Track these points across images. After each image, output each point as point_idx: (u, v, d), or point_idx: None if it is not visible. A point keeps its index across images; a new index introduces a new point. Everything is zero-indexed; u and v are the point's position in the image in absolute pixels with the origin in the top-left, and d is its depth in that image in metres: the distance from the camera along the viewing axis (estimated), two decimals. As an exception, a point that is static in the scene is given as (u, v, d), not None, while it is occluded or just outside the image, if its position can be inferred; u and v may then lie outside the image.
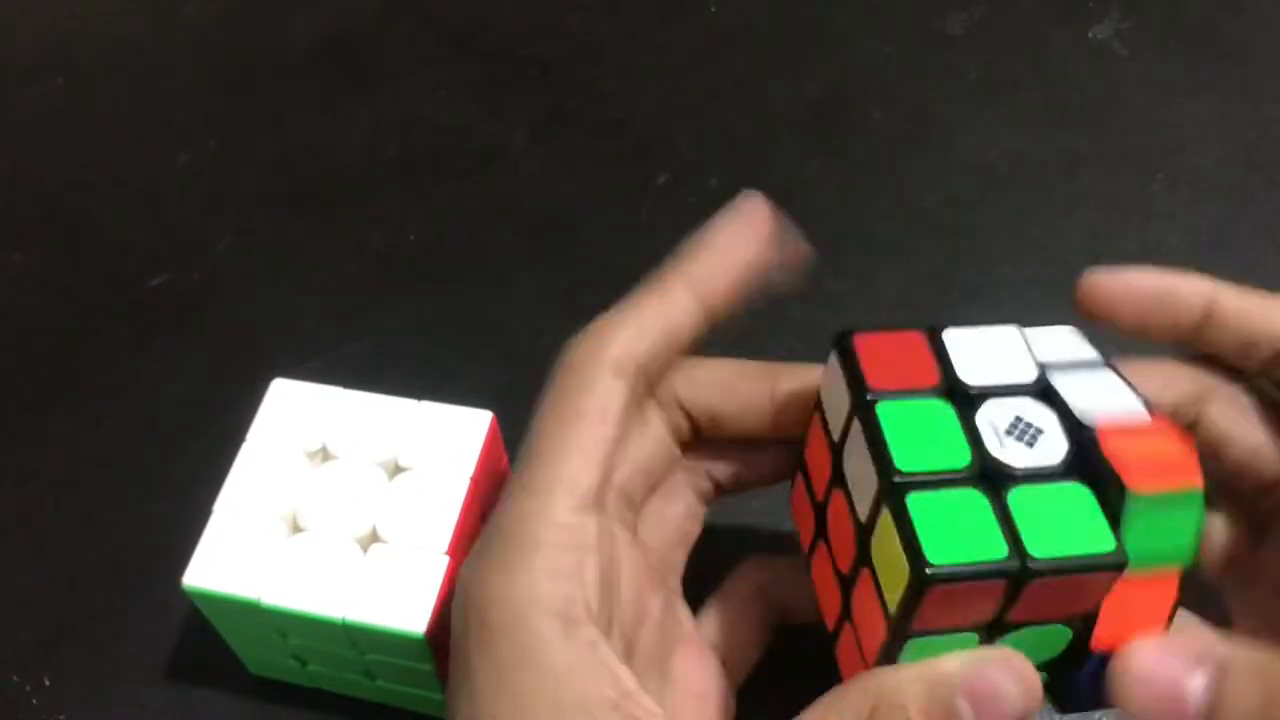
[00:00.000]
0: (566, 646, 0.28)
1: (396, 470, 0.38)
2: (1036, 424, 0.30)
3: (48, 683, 0.43)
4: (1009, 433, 0.30)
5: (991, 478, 0.29)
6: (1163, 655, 0.29)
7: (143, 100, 0.61)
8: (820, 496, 0.33)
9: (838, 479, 0.32)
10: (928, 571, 0.27)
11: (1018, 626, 0.29)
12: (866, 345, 0.32)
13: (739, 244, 0.36)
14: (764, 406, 0.35)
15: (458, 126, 0.58)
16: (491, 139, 0.58)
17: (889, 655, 0.29)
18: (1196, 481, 0.29)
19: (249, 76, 0.62)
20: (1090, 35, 0.58)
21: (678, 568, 0.37)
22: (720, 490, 0.37)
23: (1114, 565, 0.28)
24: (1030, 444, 0.29)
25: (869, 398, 0.30)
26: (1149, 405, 0.30)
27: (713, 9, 0.62)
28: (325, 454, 0.39)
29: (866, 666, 0.30)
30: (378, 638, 0.35)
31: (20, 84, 0.63)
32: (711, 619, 0.37)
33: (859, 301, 0.50)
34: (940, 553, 0.27)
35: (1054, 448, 0.29)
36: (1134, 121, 0.55)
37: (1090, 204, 0.53)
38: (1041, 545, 0.27)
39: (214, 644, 0.40)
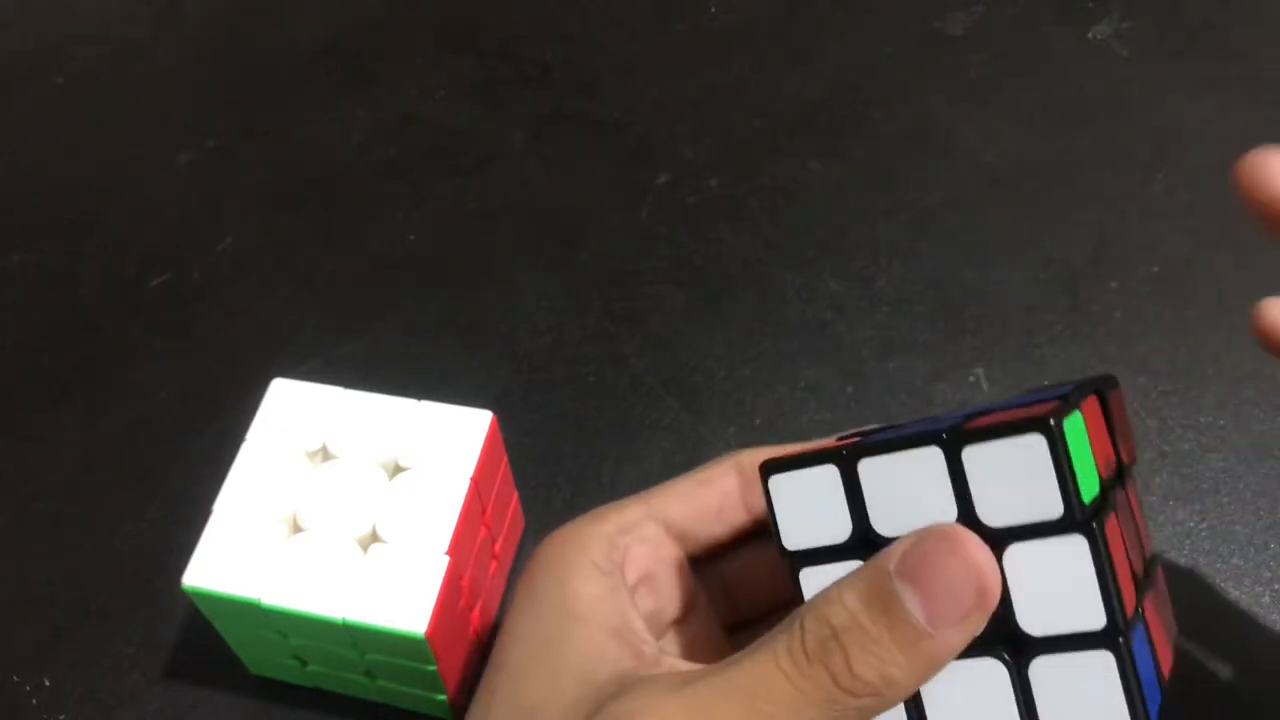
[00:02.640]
0: (591, 581, 0.31)
1: (396, 470, 0.38)
2: None
3: (47, 683, 0.43)
4: None
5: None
6: None
7: (143, 100, 0.61)
8: None
9: None
10: None
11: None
12: (782, 486, 0.30)
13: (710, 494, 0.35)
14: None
15: (458, 126, 0.58)
16: (491, 139, 0.58)
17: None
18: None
19: (249, 76, 0.62)
20: (1090, 35, 0.58)
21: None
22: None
23: None
24: None
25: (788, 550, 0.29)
26: (1121, 613, 0.26)
27: (713, 9, 0.62)
28: (325, 454, 0.39)
29: None
30: (378, 637, 0.35)
31: (20, 84, 0.63)
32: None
33: (859, 301, 0.50)
34: None
35: None
36: (1134, 121, 0.55)
37: (1090, 204, 0.53)
38: None
39: (214, 644, 0.40)
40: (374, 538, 0.37)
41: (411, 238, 0.54)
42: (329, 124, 0.59)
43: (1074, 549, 0.26)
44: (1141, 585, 0.28)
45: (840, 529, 0.28)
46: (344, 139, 0.58)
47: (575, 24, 0.62)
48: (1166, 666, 0.29)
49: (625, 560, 0.32)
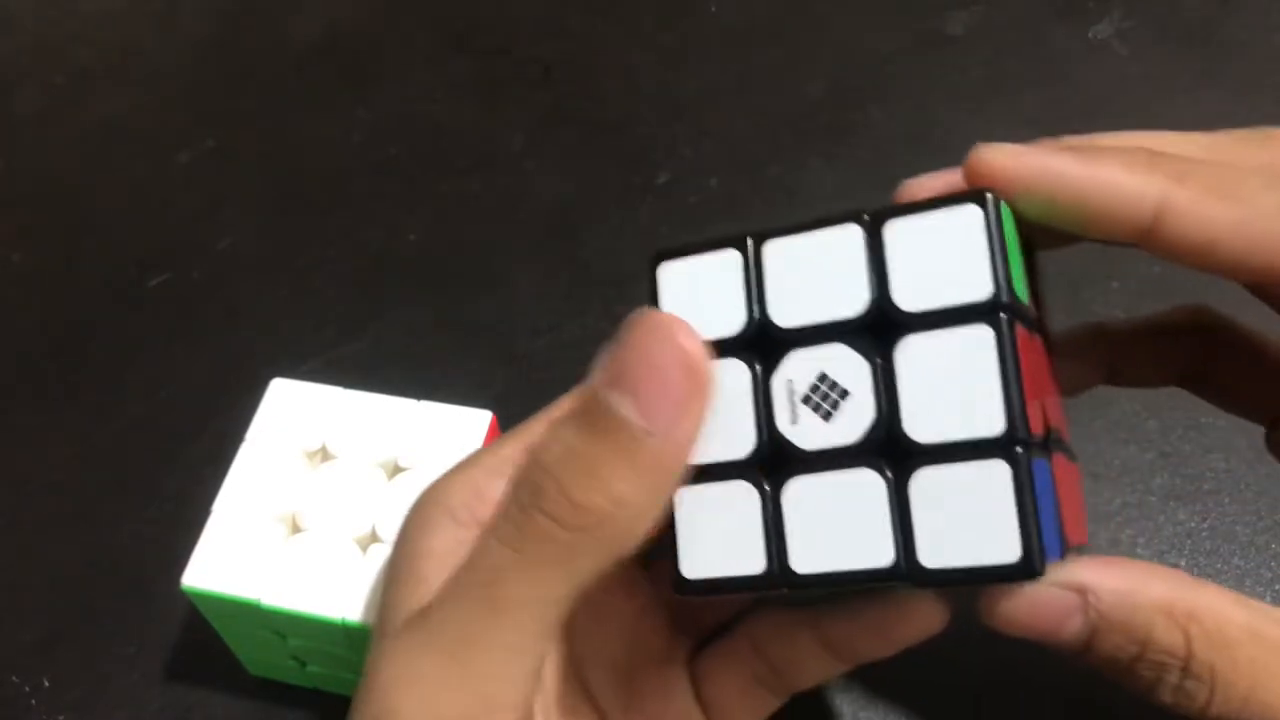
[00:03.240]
0: (439, 535, 0.28)
1: (396, 470, 0.38)
2: (843, 383, 0.25)
3: (47, 683, 0.43)
4: (806, 400, 0.25)
5: (773, 462, 0.25)
6: (1041, 600, 0.25)
7: (143, 100, 0.61)
8: None
9: None
10: (682, 577, 0.25)
11: (792, 340, 0.25)
12: (673, 275, 0.27)
13: None
14: None
15: (458, 126, 0.58)
16: (491, 139, 0.58)
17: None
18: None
19: (249, 76, 0.62)
20: (1090, 34, 0.58)
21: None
22: None
23: (894, 578, 0.24)
24: (828, 415, 0.25)
25: None
26: (1022, 422, 0.23)
27: (713, 9, 0.62)
28: (325, 454, 0.39)
29: None
30: (377, 638, 0.35)
31: (20, 84, 0.63)
32: (705, 661, 0.32)
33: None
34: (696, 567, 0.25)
35: (855, 419, 0.25)
36: (1134, 121, 0.54)
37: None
38: (806, 559, 0.24)
39: (213, 644, 0.40)
40: (373, 538, 0.37)
41: (411, 238, 0.54)
42: (329, 124, 0.59)
43: (982, 338, 0.23)
44: (1050, 434, 0.25)
45: (734, 321, 0.26)
46: (344, 139, 0.58)
47: (575, 24, 0.62)
48: (1075, 535, 0.26)
49: (484, 503, 0.28)
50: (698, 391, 0.24)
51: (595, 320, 0.51)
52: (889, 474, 0.24)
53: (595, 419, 0.23)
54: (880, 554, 0.24)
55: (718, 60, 0.60)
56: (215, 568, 0.36)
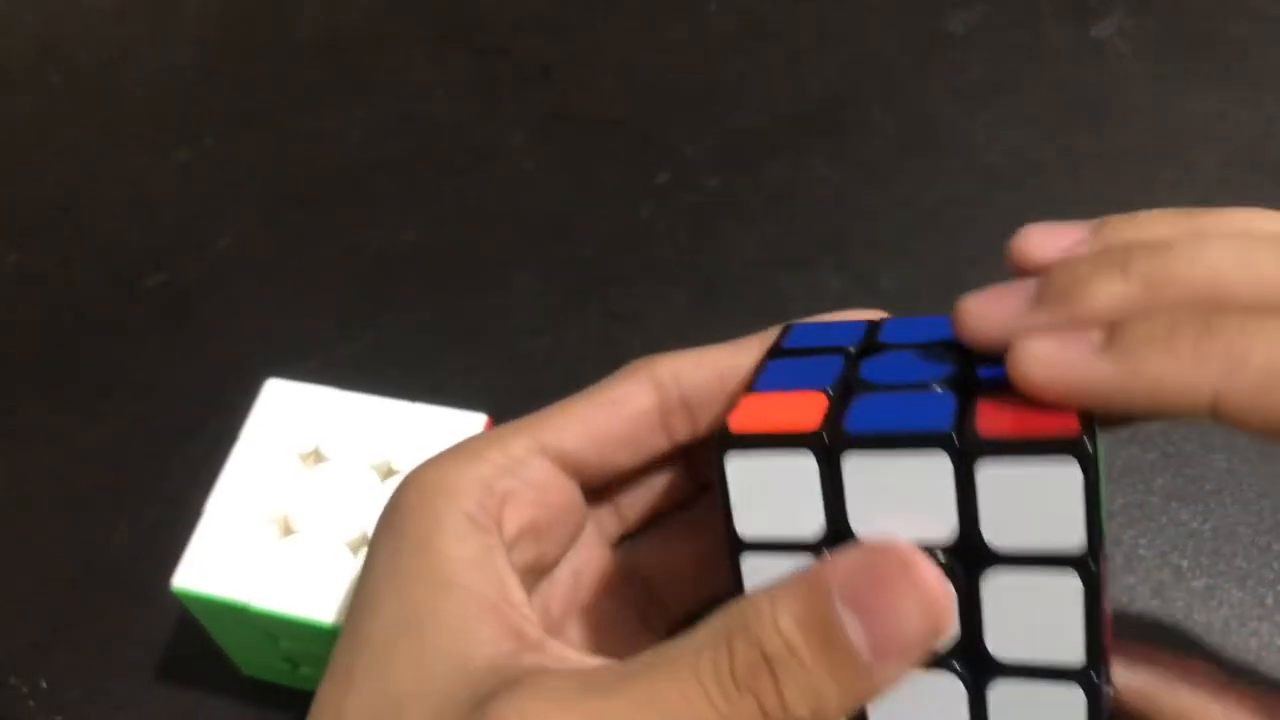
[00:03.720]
0: (464, 540, 0.27)
1: (389, 473, 0.38)
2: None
3: (44, 684, 0.43)
4: None
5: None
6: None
7: (142, 100, 0.61)
8: None
9: None
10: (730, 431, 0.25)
11: None
12: (742, 468, 0.26)
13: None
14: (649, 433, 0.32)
15: (458, 126, 0.58)
16: (491, 139, 0.57)
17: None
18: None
19: (249, 76, 0.62)
20: (1092, 34, 0.58)
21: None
22: (631, 528, 0.34)
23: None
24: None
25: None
26: (1100, 653, 0.24)
27: (713, 7, 0.62)
28: (318, 456, 0.39)
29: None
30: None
31: (20, 84, 0.63)
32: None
33: (859, 301, 0.50)
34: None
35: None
36: (1135, 121, 0.55)
37: (1090, 204, 0.52)
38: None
39: (210, 646, 0.40)
40: (365, 541, 0.37)
41: (411, 238, 0.54)
42: (328, 123, 0.59)
43: (1069, 583, 0.24)
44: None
45: (809, 523, 0.25)
46: (344, 139, 0.58)
47: (575, 24, 0.62)
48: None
49: (504, 509, 0.28)
50: (928, 642, 0.24)
51: (595, 320, 0.51)
52: (968, 680, 0.25)
53: (827, 632, 0.23)
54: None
55: (718, 59, 0.59)
56: (206, 569, 0.36)
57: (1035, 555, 0.24)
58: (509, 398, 0.49)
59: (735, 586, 0.26)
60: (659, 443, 0.31)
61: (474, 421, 0.39)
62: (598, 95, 0.59)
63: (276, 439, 0.39)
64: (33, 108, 0.61)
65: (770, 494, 0.25)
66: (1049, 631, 0.24)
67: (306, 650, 0.38)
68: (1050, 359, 0.24)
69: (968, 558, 0.24)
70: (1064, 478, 0.23)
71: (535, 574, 0.30)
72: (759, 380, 0.28)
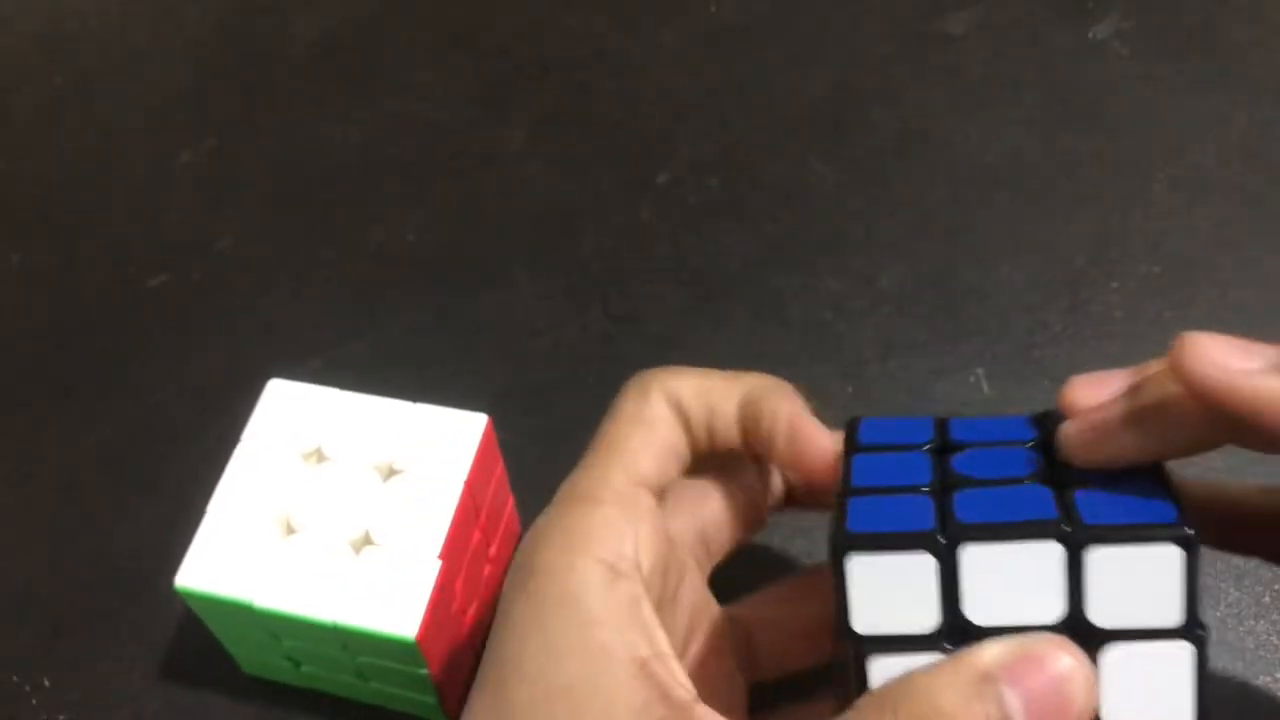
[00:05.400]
0: (606, 596, 0.28)
1: (391, 473, 0.38)
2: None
3: (47, 683, 0.43)
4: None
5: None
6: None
7: (143, 100, 0.61)
8: None
9: None
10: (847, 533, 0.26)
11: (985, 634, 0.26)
12: (862, 568, 0.28)
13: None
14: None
15: (458, 126, 0.58)
16: (491, 139, 0.58)
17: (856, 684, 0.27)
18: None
19: (249, 76, 0.62)
20: (1091, 35, 0.58)
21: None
22: (719, 558, 0.36)
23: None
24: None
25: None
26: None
27: (713, 9, 0.62)
28: (320, 455, 0.39)
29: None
30: (369, 641, 0.35)
31: (20, 84, 0.63)
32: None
33: (859, 302, 0.50)
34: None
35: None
36: (1134, 121, 0.55)
37: (1090, 204, 0.52)
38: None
39: (212, 645, 0.40)
40: (367, 540, 0.37)
41: (411, 238, 0.54)
42: (329, 124, 0.59)
43: (1177, 654, 0.26)
44: None
45: (926, 617, 0.26)
46: (344, 139, 0.58)
47: (575, 24, 0.62)
48: None
49: (638, 550, 0.29)
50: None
51: (595, 320, 0.51)
52: None
53: (990, 713, 0.24)
54: None
55: (717, 60, 0.60)
56: (209, 568, 0.36)
57: (1139, 631, 0.26)
58: (509, 398, 0.49)
59: (845, 678, 0.27)
60: (686, 454, 0.33)
61: (474, 421, 0.39)
62: (598, 96, 0.59)
63: (279, 439, 0.39)
64: (35, 109, 0.61)
65: (889, 591, 0.26)
66: (1162, 701, 0.26)
67: (308, 649, 0.38)
68: (1222, 360, 0.26)
69: (1074, 637, 0.25)
70: (1168, 559, 0.25)
71: (661, 610, 0.31)
72: (854, 478, 0.29)
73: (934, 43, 0.59)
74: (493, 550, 0.42)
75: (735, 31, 0.61)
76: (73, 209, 0.57)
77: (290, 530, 0.37)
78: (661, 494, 0.33)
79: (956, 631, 0.26)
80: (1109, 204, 0.53)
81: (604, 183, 0.56)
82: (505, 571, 0.41)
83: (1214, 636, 0.40)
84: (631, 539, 0.29)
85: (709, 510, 0.34)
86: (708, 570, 0.35)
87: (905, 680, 0.25)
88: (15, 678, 0.43)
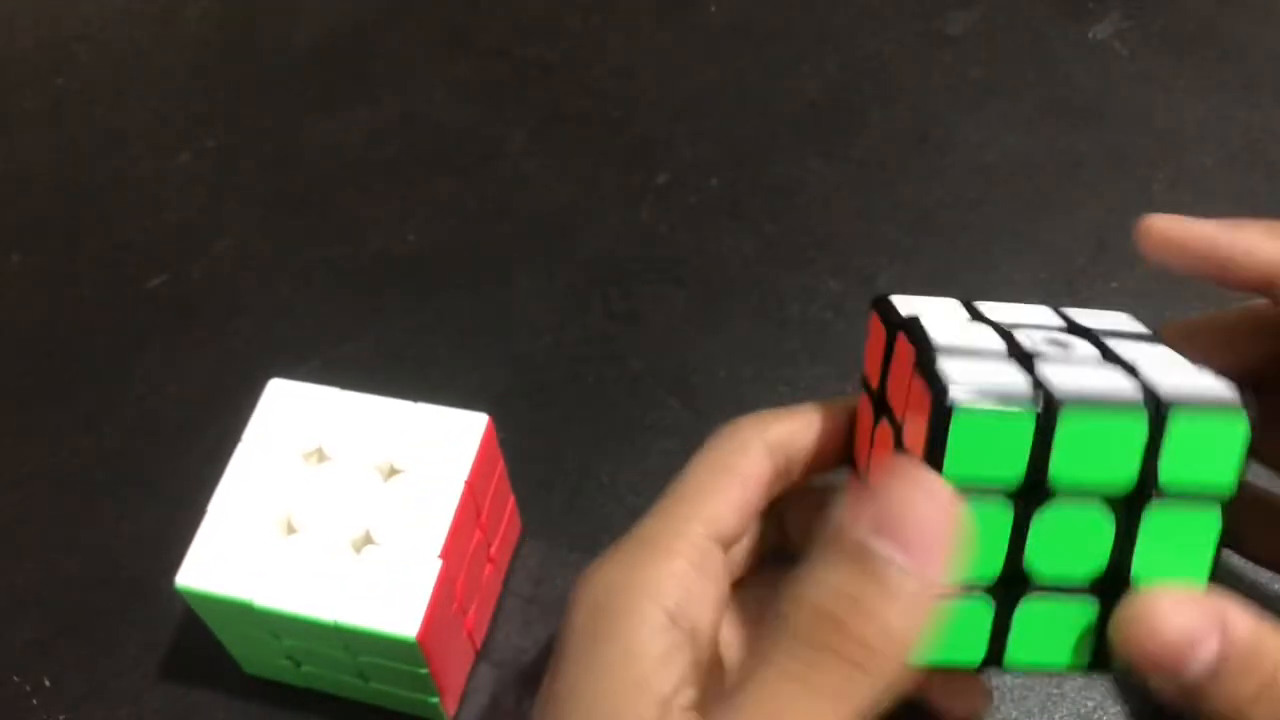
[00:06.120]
0: (660, 638, 0.29)
1: (391, 472, 0.38)
2: (1068, 343, 0.30)
3: (47, 683, 0.43)
4: (1045, 343, 0.30)
5: (1028, 358, 0.29)
6: (1186, 609, 0.28)
7: (143, 100, 0.61)
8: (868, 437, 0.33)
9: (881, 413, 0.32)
10: (950, 391, 0.27)
11: (1057, 495, 0.28)
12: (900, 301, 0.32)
13: None
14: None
15: (458, 126, 0.58)
16: (491, 139, 0.58)
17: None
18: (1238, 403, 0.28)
19: (249, 76, 0.62)
20: (1090, 35, 0.58)
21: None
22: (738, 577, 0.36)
23: (1141, 406, 0.27)
24: (1064, 348, 0.30)
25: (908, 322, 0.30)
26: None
27: (713, 9, 0.62)
28: (320, 455, 0.39)
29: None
30: (369, 640, 0.35)
31: (20, 84, 0.63)
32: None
33: (859, 302, 0.50)
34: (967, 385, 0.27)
35: (1085, 354, 0.30)
36: (1134, 121, 0.55)
37: (1090, 204, 0.53)
38: (1068, 386, 0.28)
39: (213, 644, 0.40)
40: (367, 540, 0.37)
41: (411, 238, 0.54)
42: (329, 124, 0.59)
43: (1208, 521, 0.29)
44: None
45: (1014, 472, 0.28)
46: (344, 139, 0.58)
47: (575, 24, 0.62)
48: None
49: (701, 609, 0.30)
50: (952, 541, 0.26)
51: (595, 320, 0.51)
52: (1119, 365, 0.29)
53: (867, 565, 0.25)
54: (1127, 388, 0.28)
55: (718, 60, 0.60)
56: (210, 568, 0.36)
57: (1193, 493, 0.28)
58: (509, 398, 0.49)
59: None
60: (764, 503, 0.33)
61: (475, 421, 0.39)
62: (598, 96, 0.59)
63: (279, 438, 0.39)
64: (36, 109, 0.61)
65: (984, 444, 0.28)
66: (1181, 565, 0.29)
67: (308, 648, 0.38)
68: (1177, 222, 0.35)
69: (1134, 499, 0.28)
70: (1230, 429, 0.28)
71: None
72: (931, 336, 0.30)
73: (933, 43, 0.59)
74: (493, 550, 0.42)
75: (735, 31, 0.61)
76: (73, 209, 0.57)
77: (291, 530, 0.37)
78: (736, 542, 0.33)
79: (1034, 488, 0.28)
80: (1108, 204, 0.53)
81: (604, 183, 0.56)
82: (506, 570, 0.42)
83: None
84: (697, 598, 0.30)
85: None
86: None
87: (787, 584, 0.26)
88: (15, 678, 0.43)
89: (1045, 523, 0.28)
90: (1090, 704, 0.40)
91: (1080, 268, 0.50)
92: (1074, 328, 0.31)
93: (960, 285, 0.50)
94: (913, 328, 0.30)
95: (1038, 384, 0.27)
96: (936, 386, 0.27)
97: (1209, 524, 0.28)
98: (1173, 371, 0.29)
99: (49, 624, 0.45)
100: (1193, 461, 0.28)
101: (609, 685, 0.28)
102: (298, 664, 0.40)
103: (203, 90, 0.62)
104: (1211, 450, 0.28)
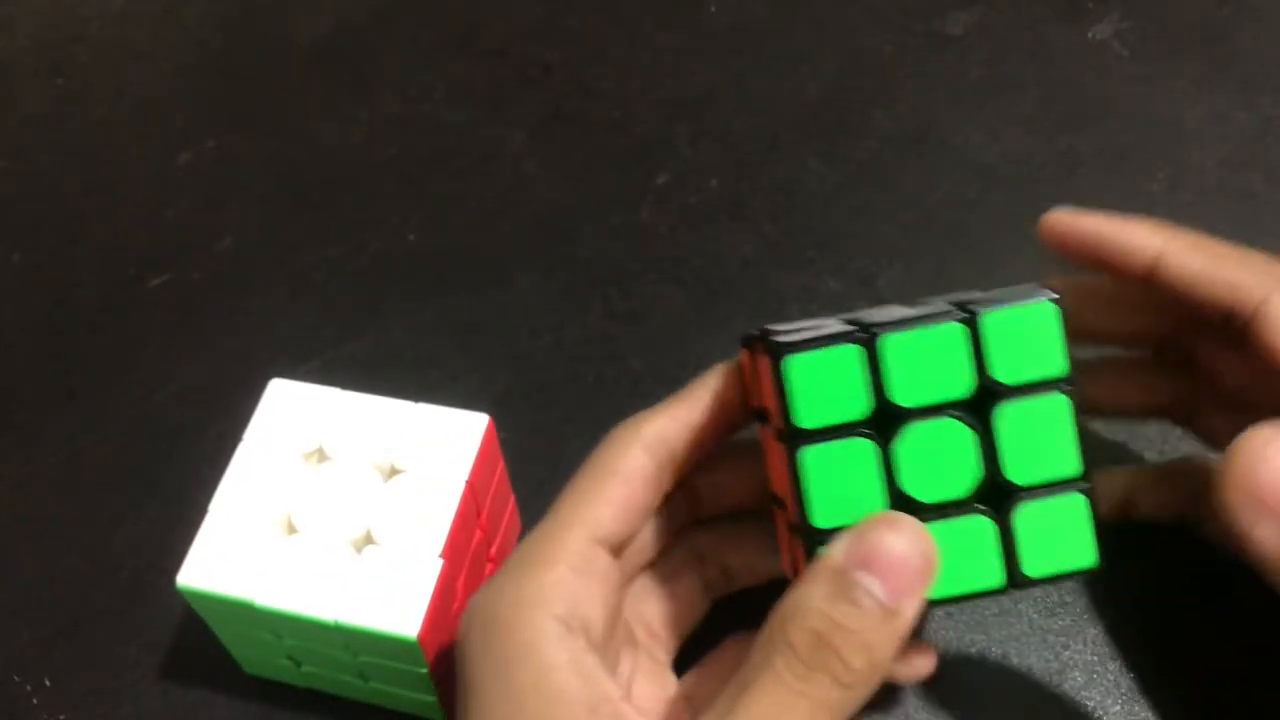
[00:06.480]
0: (561, 646, 0.31)
1: (392, 472, 0.38)
2: (951, 449, 0.31)
3: (48, 683, 0.43)
4: (918, 464, 0.31)
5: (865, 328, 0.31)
6: None
7: (143, 100, 0.61)
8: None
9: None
10: (778, 341, 0.30)
11: (908, 418, 0.30)
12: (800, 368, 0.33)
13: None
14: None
15: (458, 126, 0.58)
16: (491, 139, 0.58)
17: (794, 490, 0.30)
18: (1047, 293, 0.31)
19: (249, 77, 0.62)
20: (1090, 35, 0.58)
21: (669, 646, 0.38)
22: (731, 581, 0.39)
23: (951, 317, 0.30)
24: (939, 475, 0.31)
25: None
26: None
27: (713, 9, 0.62)
28: (321, 455, 0.39)
29: (790, 523, 0.32)
30: (370, 640, 0.35)
31: (20, 84, 0.63)
32: (649, 586, 0.38)
33: (859, 301, 0.50)
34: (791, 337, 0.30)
35: (963, 475, 0.31)
36: (1134, 121, 0.55)
37: (1090, 204, 0.52)
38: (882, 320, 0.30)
39: (213, 644, 0.40)
40: (368, 540, 0.37)
41: (411, 238, 0.54)
42: (329, 124, 0.59)
43: (1059, 407, 0.31)
44: None
45: (859, 406, 0.30)
46: (344, 139, 0.58)
47: (575, 24, 0.62)
48: None
49: (589, 609, 0.32)
50: (928, 580, 0.29)
51: (595, 320, 0.51)
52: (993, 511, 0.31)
53: (852, 596, 0.29)
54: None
55: (717, 60, 0.60)
56: (210, 568, 0.36)
57: (1031, 384, 0.30)
58: (510, 398, 0.49)
59: (793, 482, 0.30)
60: (656, 499, 0.35)
61: (475, 421, 0.39)
62: (598, 96, 0.59)
63: (280, 438, 0.39)
64: (36, 109, 0.61)
65: (824, 385, 0.30)
66: (1050, 451, 0.31)
67: (309, 648, 0.38)
68: (1072, 216, 0.40)
69: (981, 403, 0.30)
70: (1044, 316, 0.30)
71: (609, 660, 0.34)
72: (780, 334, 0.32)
73: (934, 43, 0.59)
74: (494, 549, 0.42)
75: (735, 31, 0.61)
76: (73, 209, 0.57)
77: (291, 530, 0.37)
78: (623, 547, 0.35)
79: (886, 419, 0.30)
80: (1109, 204, 0.52)
81: (604, 183, 0.56)
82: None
83: (1213, 639, 0.41)
84: (582, 600, 0.32)
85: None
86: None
87: (782, 605, 0.29)
88: (16, 678, 0.43)
89: (908, 447, 0.30)
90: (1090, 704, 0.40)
91: (1080, 267, 0.50)
92: (958, 304, 0.32)
93: (960, 285, 0.50)
94: (762, 335, 0.32)
95: (857, 324, 0.30)
96: (770, 346, 0.30)
97: (1060, 410, 0.30)
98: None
99: (49, 624, 0.45)
100: (1019, 354, 0.30)
101: (532, 706, 0.30)
102: (298, 664, 0.40)
103: (203, 90, 0.62)
104: (1033, 340, 0.30)
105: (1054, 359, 0.30)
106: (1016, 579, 0.31)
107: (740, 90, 0.58)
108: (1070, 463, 0.31)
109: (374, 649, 0.36)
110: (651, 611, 0.37)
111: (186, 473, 0.47)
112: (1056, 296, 0.30)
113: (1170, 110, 0.55)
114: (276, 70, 0.62)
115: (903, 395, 0.30)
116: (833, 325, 0.31)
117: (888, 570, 0.29)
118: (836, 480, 0.30)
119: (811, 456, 0.30)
